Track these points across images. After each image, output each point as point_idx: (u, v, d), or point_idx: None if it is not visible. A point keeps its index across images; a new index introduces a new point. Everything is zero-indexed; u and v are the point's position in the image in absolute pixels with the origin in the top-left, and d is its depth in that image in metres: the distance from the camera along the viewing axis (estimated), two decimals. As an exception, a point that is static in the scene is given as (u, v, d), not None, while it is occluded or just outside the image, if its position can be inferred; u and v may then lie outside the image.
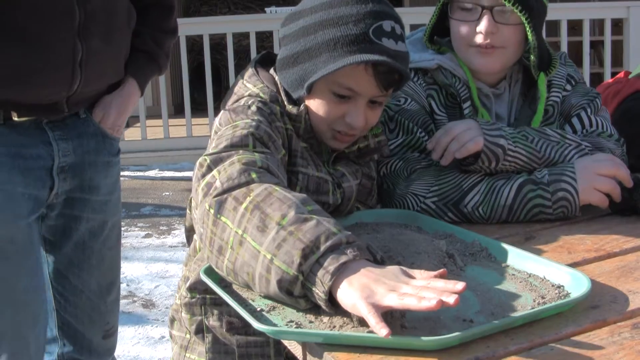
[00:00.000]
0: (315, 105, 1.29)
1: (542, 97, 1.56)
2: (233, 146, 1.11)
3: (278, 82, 1.34)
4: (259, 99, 1.28)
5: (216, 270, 1.01)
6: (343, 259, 0.88)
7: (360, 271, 0.88)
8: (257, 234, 0.93)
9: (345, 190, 1.35)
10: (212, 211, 0.98)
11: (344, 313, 0.90)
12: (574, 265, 1.12)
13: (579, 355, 0.83)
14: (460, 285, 0.84)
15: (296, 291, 0.90)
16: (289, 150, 1.27)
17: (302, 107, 1.29)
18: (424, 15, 5.63)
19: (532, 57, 1.53)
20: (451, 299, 0.81)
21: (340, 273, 0.87)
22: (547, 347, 0.85)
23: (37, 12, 1.37)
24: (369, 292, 0.85)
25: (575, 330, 0.89)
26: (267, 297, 0.97)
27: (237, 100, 1.31)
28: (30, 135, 1.49)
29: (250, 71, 1.37)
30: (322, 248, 0.89)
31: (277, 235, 0.91)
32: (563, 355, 0.83)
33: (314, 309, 0.94)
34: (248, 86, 1.34)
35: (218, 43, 8.37)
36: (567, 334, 0.88)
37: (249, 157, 1.06)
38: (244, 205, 0.96)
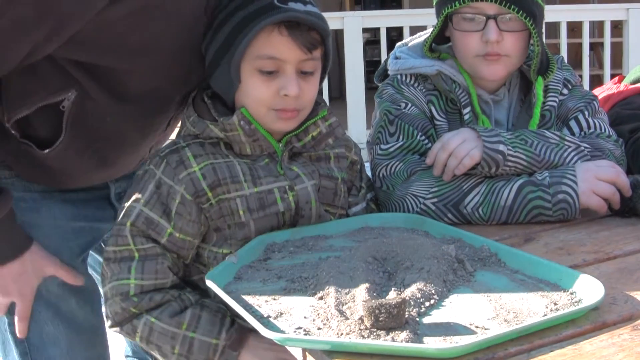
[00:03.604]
0: (249, 91, 1.27)
1: (538, 101, 1.57)
2: (115, 263, 1.26)
3: (209, 106, 1.31)
4: (167, 154, 1.27)
5: None
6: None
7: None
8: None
9: (298, 192, 1.30)
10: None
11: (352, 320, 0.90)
12: (573, 267, 1.12)
13: (579, 358, 0.83)
14: None
15: None
16: (216, 182, 1.25)
17: (234, 115, 1.26)
18: (424, 16, 5.64)
19: (534, 61, 1.54)
20: None
21: None
22: (547, 348, 0.85)
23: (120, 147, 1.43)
24: None
25: (574, 332, 0.89)
26: None
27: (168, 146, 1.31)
28: None
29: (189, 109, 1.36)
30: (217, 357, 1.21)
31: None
32: (562, 357, 0.83)
33: (322, 316, 0.94)
34: (184, 128, 1.35)
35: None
36: (566, 336, 0.88)
37: (123, 286, 1.23)
38: (137, 338, 1.23)
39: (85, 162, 1.38)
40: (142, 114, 1.35)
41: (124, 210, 1.27)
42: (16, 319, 1.37)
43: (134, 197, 1.27)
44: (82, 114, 1.28)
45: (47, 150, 1.30)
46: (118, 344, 1.57)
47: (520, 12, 1.45)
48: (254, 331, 1.19)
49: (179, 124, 1.42)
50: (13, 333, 1.40)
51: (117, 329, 1.25)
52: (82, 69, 1.22)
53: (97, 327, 1.51)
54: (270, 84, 1.25)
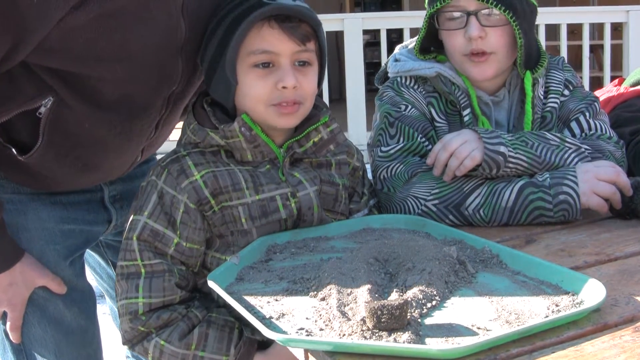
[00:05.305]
0: (246, 90, 1.26)
1: (527, 97, 1.57)
2: (124, 280, 1.26)
3: (209, 114, 1.31)
4: (168, 163, 1.28)
5: None
6: None
7: None
8: None
9: (300, 199, 1.29)
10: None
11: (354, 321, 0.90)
12: (574, 268, 1.12)
13: (580, 359, 0.83)
14: None
15: None
16: (218, 190, 1.25)
17: (235, 122, 1.26)
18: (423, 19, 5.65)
19: (518, 54, 1.54)
20: None
21: None
22: (548, 350, 0.85)
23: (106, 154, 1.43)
24: None
25: (576, 334, 0.89)
26: None
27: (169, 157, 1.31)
28: None
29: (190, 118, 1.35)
30: None
31: None
32: (564, 358, 0.83)
33: (324, 317, 0.94)
34: (184, 136, 1.34)
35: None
36: (568, 337, 0.88)
37: (132, 305, 1.23)
38: (150, 358, 1.23)
39: (67, 167, 1.38)
40: (120, 120, 1.33)
41: (129, 224, 1.26)
42: (8, 325, 1.38)
43: (137, 210, 1.26)
44: (59, 121, 1.27)
45: (25, 156, 1.30)
46: (119, 345, 1.57)
47: (499, 5, 1.45)
48: (261, 342, 1.20)
49: (178, 126, 1.41)
50: (8, 336, 1.41)
51: (129, 347, 1.25)
52: (56, 76, 1.21)
53: (86, 328, 1.50)
54: (267, 78, 1.25)
